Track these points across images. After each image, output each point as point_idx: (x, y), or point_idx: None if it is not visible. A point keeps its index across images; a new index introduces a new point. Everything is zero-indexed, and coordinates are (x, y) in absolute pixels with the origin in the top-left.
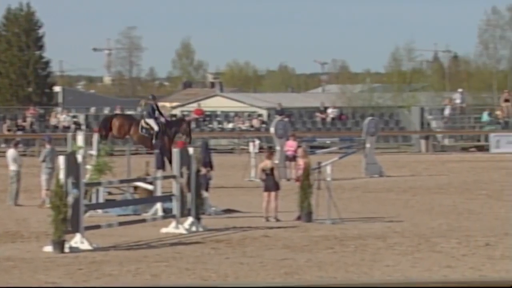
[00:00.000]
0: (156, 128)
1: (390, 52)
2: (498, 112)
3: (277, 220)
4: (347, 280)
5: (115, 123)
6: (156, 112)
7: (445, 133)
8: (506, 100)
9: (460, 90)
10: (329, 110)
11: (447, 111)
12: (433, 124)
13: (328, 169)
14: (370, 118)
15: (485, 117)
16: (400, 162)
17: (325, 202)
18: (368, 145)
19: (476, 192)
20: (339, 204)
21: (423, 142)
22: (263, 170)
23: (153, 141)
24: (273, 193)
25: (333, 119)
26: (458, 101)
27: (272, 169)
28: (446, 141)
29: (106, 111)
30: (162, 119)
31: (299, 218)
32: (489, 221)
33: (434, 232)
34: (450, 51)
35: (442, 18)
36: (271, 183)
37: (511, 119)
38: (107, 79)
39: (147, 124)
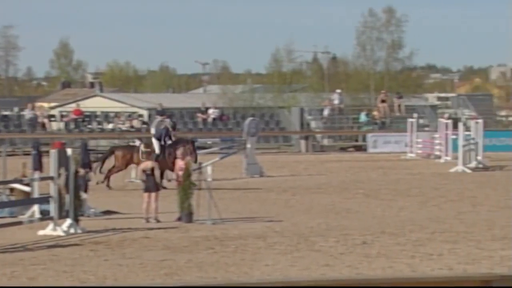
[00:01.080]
0: (157, 151)
1: (271, 53)
2: (375, 113)
3: (158, 221)
4: (226, 280)
5: (118, 155)
6: (168, 136)
7: (324, 133)
8: (383, 101)
9: (338, 91)
10: (210, 111)
11: (326, 112)
12: (313, 124)
13: (209, 169)
14: (250, 118)
15: (362, 117)
16: (280, 162)
17: (205, 203)
18: (248, 146)
19: (354, 191)
20: (219, 205)
21: (302, 142)
22: (144, 171)
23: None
24: (153, 194)
25: (214, 119)
26: (336, 101)
27: (152, 170)
28: (325, 141)
29: None
30: (169, 142)
31: (179, 219)
32: (366, 220)
33: (313, 231)
34: (329, 52)
35: (321, 19)
36: (151, 183)
37: (387, 120)
38: None
39: (147, 147)
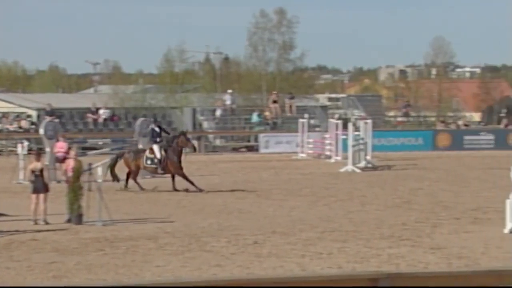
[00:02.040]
0: (158, 156)
1: (163, 53)
2: (267, 113)
3: (46, 223)
4: (117, 282)
5: (127, 161)
6: (161, 134)
7: (216, 134)
8: (274, 102)
9: (230, 91)
10: (101, 111)
11: (218, 112)
12: (205, 125)
13: (99, 170)
14: (142, 119)
15: (254, 118)
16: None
17: (96, 204)
18: (140, 146)
19: (245, 192)
20: (110, 206)
21: (195, 142)
22: (32, 172)
23: (158, 169)
24: (42, 195)
25: (105, 120)
26: (228, 102)
27: (41, 171)
28: (218, 142)
29: None
30: (164, 141)
31: (69, 220)
32: (257, 220)
33: (205, 231)
34: (221, 53)
35: (213, 19)
36: (40, 184)
37: (279, 120)
38: None
39: (152, 152)
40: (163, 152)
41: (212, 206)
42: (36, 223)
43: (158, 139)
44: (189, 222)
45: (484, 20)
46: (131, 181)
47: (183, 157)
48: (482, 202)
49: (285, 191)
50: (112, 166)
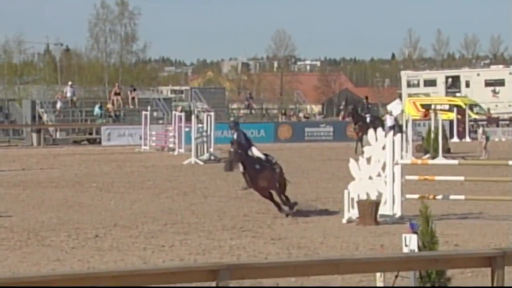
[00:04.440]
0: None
1: (0, 44)
2: (109, 106)
3: None
4: None
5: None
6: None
7: (57, 126)
8: (117, 94)
9: (70, 83)
10: None
11: (59, 104)
12: (45, 117)
13: None
14: None
15: (96, 110)
16: (10, 156)
17: None
18: None
19: (86, 185)
20: None
21: (34, 135)
22: None
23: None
24: None
25: None
26: (69, 94)
27: None
28: (58, 135)
29: None
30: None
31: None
32: (99, 213)
33: (44, 226)
34: (62, 44)
35: (52, 10)
36: None
37: (121, 112)
38: None
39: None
40: None
41: (51, 200)
42: None
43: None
44: (27, 216)
45: (325, 14)
46: None
47: None
48: (321, 192)
49: (127, 184)
50: None
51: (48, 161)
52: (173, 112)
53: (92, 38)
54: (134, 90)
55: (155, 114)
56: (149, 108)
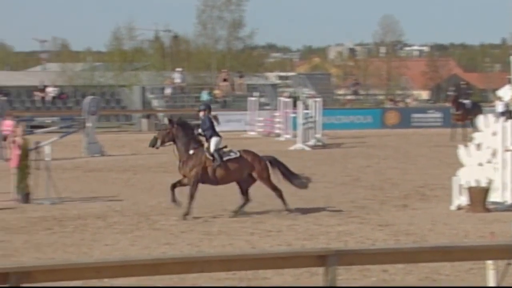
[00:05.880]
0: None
1: (111, 31)
2: (216, 91)
3: None
4: (65, 260)
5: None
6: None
7: (166, 112)
8: (224, 80)
9: (179, 69)
10: (49, 89)
11: (168, 90)
12: (154, 103)
13: (47, 149)
14: (91, 97)
15: (204, 96)
16: (121, 141)
17: (44, 183)
18: (89, 124)
19: None
20: (59, 185)
21: (144, 121)
22: None
23: None
24: None
25: (53, 98)
26: (178, 80)
27: None
28: (167, 120)
29: None
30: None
31: (16, 199)
32: (207, 198)
33: (154, 210)
34: (171, 31)
35: None
36: None
37: (229, 98)
38: None
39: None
40: None
41: (161, 185)
42: None
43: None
44: (138, 200)
45: None
46: None
47: None
48: (429, 179)
49: None
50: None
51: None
52: (279, 98)
53: (200, 24)
54: (242, 76)
55: (261, 100)
56: (256, 94)
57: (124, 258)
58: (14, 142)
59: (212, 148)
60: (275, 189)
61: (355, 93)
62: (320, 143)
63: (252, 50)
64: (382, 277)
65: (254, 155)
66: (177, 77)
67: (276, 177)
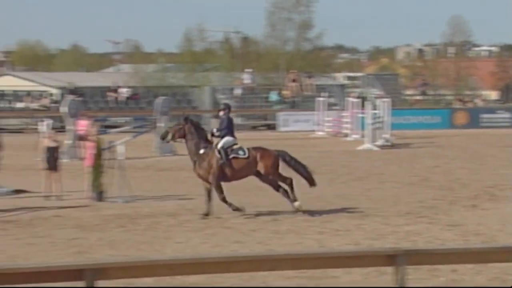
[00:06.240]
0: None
1: (182, 33)
2: (285, 92)
3: (61, 199)
4: (138, 257)
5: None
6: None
7: (235, 112)
8: (293, 80)
9: (249, 70)
10: (122, 90)
11: (237, 91)
12: None
13: (121, 148)
14: (162, 97)
15: (273, 96)
16: None
17: (117, 181)
18: (160, 124)
19: None
20: (131, 183)
21: (214, 121)
22: (47, 149)
23: None
24: (55, 172)
25: (126, 98)
26: (247, 81)
27: (55, 148)
28: (237, 120)
29: None
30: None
31: (91, 197)
32: (276, 197)
33: (224, 208)
34: (240, 32)
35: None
36: (52, 162)
37: (297, 99)
38: None
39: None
40: None
41: (231, 184)
42: (48, 199)
43: None
44: None
45: None
46: None
47: None
48: (498, 179)
49: None
50: None
51: None
52: (348, 98)
53: (269, 26)
54: (311, 76)
55: (330, 100)
56: (325, 94)
57: (196, 255)
58: (88, 141)
59: (219, 146)
60: (285, 179)
61: (423, 93)
62: (388, 143)
63: (320, 50)
64: (451, 277)
65: (263, 151)
66: (246, 78)
67: (287, 171)
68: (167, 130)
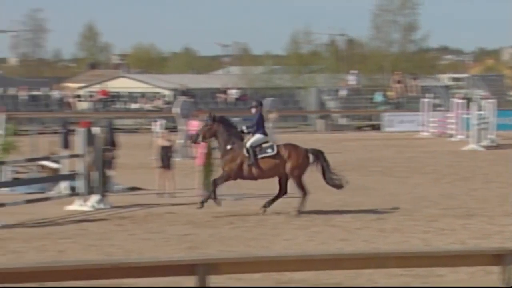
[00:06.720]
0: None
1: (289, 35)
2: (390, 93)
3: (173, 196)
4: (246, 253)
5: None
6: None
7: (340, 113)
8: (398, 81)
9: (354, 71)
10: (231, 91)
11: (342, 92)
12: (330, 104)
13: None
14: (271, 98)
15: (378, 97)
16: (298, 140)
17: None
18: (269, 124)
19: (369, 169)
20: (240, 182)
21: (320, 121)
22: (161, 147)
23: None
24: (168, 171)
25: (236, 99)
26: (353, 82)
27: (168, 148)
28: (344, 121)
29: (13, 91)
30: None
31: (202, 195)
32: (381, 196)
33: (330, 207)
34: (345, 35)
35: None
36: (166, 161)
37: (402, 100)
38: (13, 60)
39: None
40: None
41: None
42: (162, 197)
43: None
44: (314, 198)
45: None
46: None
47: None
48: None
49: (408, 169)
50: None
51: (332, 145)
52: (452, 99)
53: (375, 28)
54: (416, 78)
55: (434, 101)
56: (429, 95)
57: (304, 252)
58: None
59: (248, 144)
60: (302, 188)
61: None
62: (493, 144)
63: (425, 52)
64: None
65: (293, 149)
66: (351, 79)
67: (317, 171)
68: (197, 132)
